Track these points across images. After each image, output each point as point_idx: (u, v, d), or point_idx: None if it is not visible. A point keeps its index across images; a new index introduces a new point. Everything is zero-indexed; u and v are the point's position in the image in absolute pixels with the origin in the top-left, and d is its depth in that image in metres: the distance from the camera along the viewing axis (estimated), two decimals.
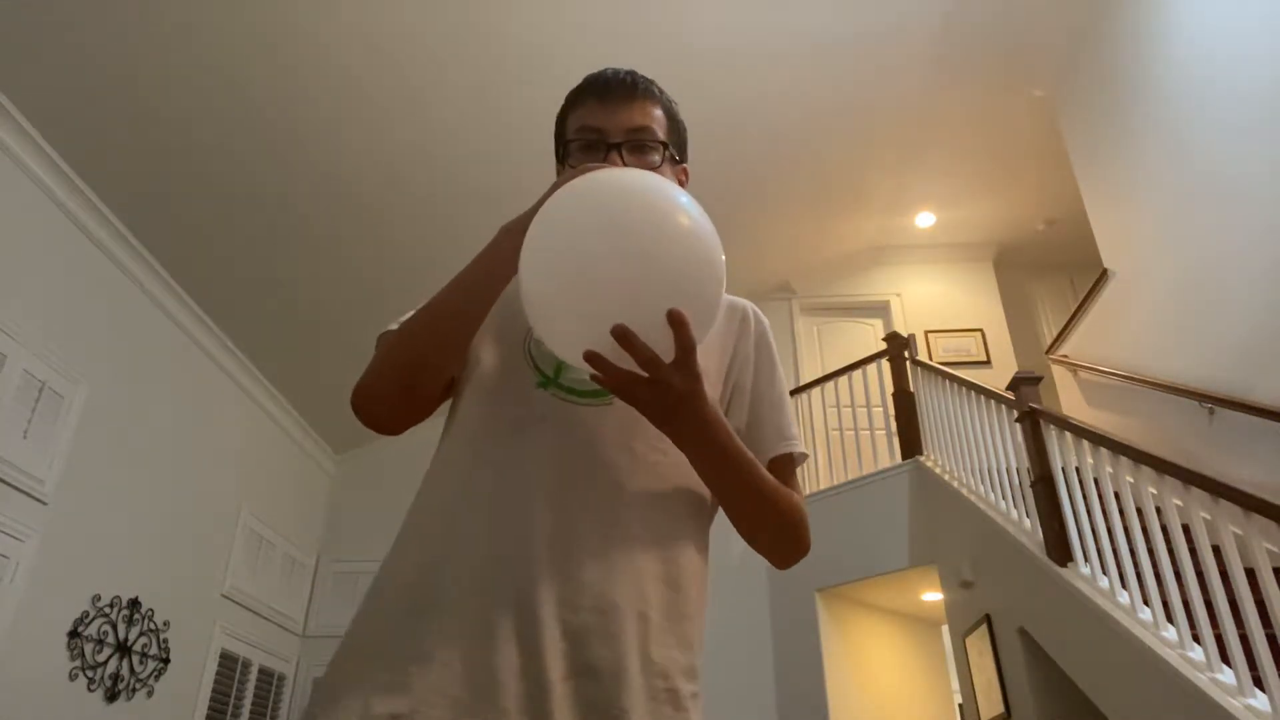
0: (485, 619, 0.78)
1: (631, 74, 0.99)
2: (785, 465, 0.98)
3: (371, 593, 0.86)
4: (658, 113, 1.00)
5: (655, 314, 0.74)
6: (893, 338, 5.22)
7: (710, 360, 0.97)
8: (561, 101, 1.04)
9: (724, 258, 0.80)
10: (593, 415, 0.90)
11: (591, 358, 0.74)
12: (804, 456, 1.01)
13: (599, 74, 1.00)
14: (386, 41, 3.77)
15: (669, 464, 0.90)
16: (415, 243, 4.67)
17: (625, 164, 0.95)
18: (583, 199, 0.79)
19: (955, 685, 4.73)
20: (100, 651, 3.68)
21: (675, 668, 0.82)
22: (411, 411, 0.94)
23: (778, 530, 0.93)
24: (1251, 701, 2.22)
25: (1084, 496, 3.10)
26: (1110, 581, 2.88)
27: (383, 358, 0.92)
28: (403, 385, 0.92)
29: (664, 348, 0.75)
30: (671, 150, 1.00)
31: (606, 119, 0.97)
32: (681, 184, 1.03)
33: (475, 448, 0.90)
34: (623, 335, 0.72)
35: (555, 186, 0.85)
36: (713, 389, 0.97)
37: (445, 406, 1.02)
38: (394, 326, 0.96)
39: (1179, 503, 2.62)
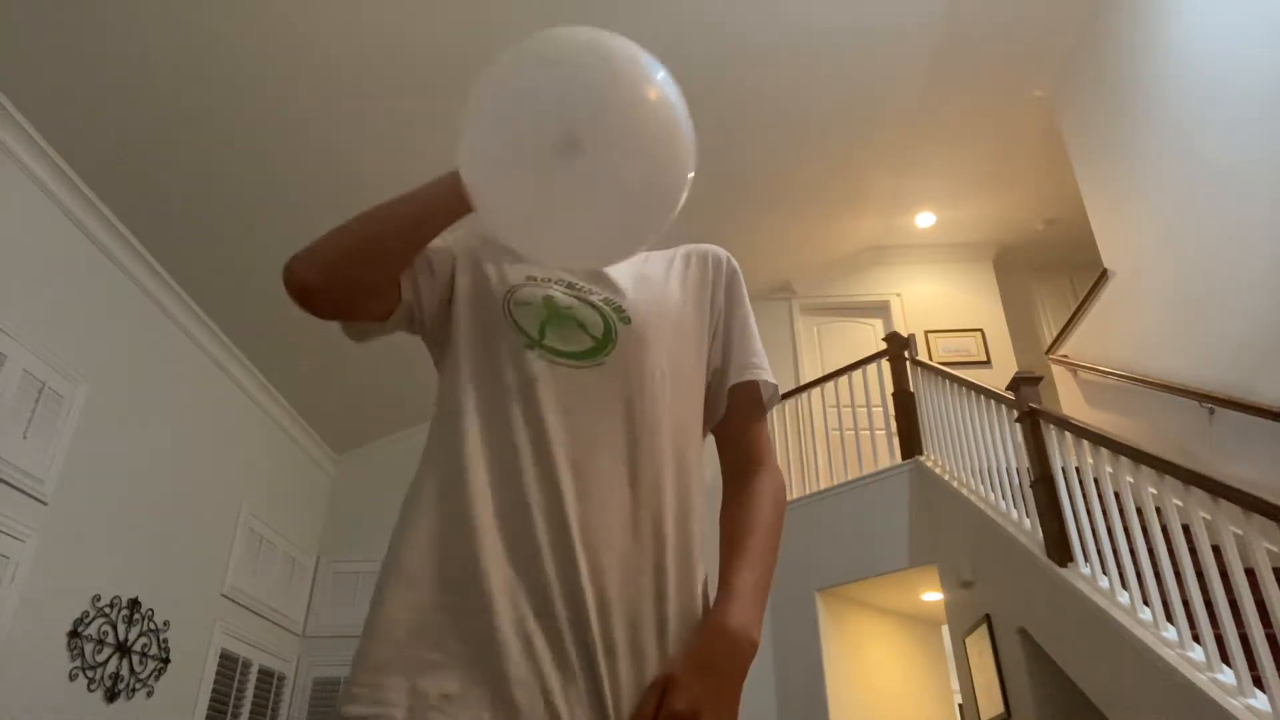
0: (521, 590, 0.78)
1: None
2: (749, 397, 1.01)
3: (392, 574, 0.83)
4: None
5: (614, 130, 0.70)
6: (893, 338, 5.21)
7: (689, 295, 1.02)
8: None
9: (683, 105, 0.76)
10: (587, 376, 0.90)
11: None
12: (771, 388, 1.02)
13: None
14: (387, 42, 3.77)
15: (668, 416, 0.91)
16: None
17: None
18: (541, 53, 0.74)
19: (955, 685, 4.73)
20: (100, 651, 3.68)
21: (691, 620, 0.85)
22: (346, 291, 0.91)
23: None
24: (1251, 701, 2.22)
25: (1084, 496, 3.10)
26: (1110, 581, 2.88)
27: (330, 234, 0.91)
28: (344, 258, 0.90)
29: (621, 144, 0.73)
30: None
31: None
32: None
33: (476, 417, 0.89)
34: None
35: None
36: (698, 321, 1.01)
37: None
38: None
39: (1179, 503, 2.62)
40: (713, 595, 0.88)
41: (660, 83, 0.74)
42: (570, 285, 0.97)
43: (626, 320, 0.94)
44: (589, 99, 0.70)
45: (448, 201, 0.88)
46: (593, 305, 0.95)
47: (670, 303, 1.00)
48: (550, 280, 0.97)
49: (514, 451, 0.85)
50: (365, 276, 0.91)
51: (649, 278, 1.02)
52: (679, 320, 0.99)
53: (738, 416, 1.01)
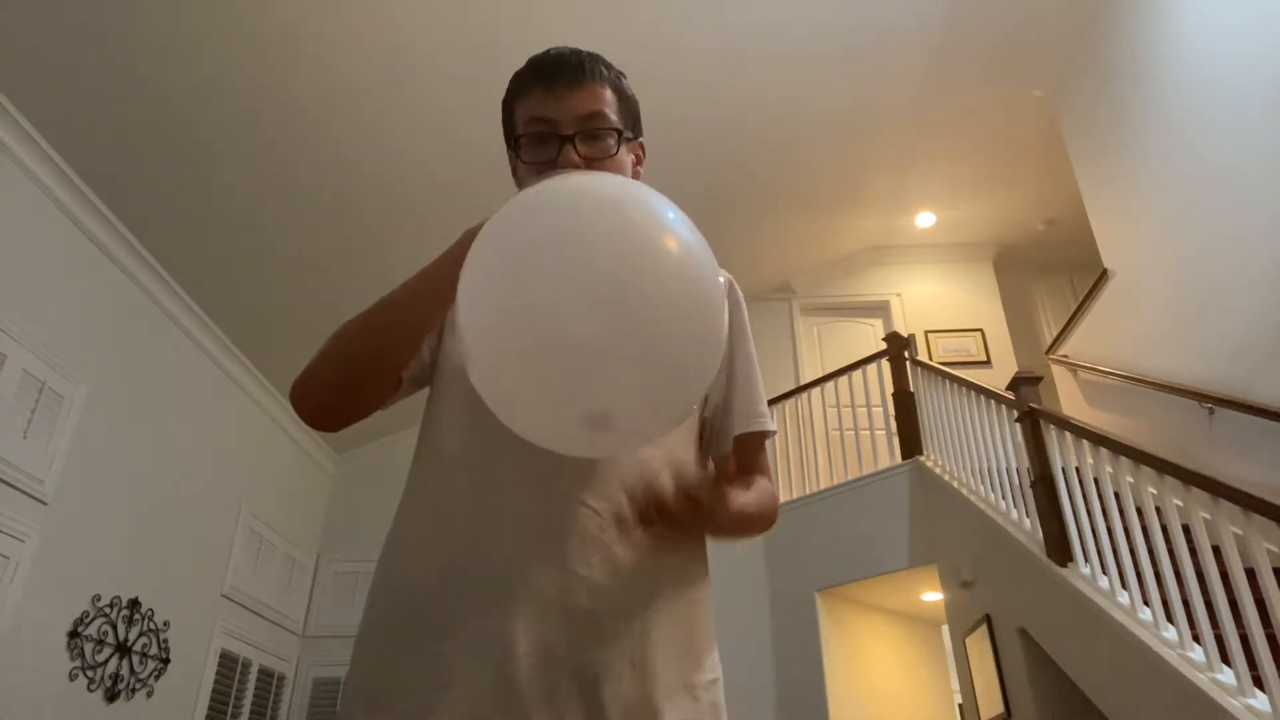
0: (505, 635, 0.77)
1: (577, 54, 0.94)
2: (754, 442, 1.00)
3: (375, 614, 0.84)
4: (607, 94, 0.95)
5: (641, 389, 0.63)
6: (893, 338, 5.21)
7: None
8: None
9: (720, 290, 0.68)
10: None
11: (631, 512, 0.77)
12: (772, 433, 1.02)
13: (543, 57, 0.95)
14: (386, 44, 3.77)
15: (662, 458, 0.90)
16: (417, 246, 4.66)
17: (580, 155, 0.91)
18: (537, 240, 0.63)
19: (955, 685, 4.72)
20: (100, 651, 3.68)
21: (688, 663, 0.84)
22: (351, 408, 0.90)
23: (760, 529, 0.96)
24: (1251, 701, 2.22)
25: (1084, 496, 3.10)
26: (1110, 581, 2.88)
27: (326, 352, 0.88)
28: (343, 381, 0.88)
29: (650, 417, 0.68)
30: (626, 132, 0.96)
31: (556, 108, 0.92)
32: (638, 159, 1.01)
33: (468, 454, 0.88)
34: (659, 507, 0.75)
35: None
36: None
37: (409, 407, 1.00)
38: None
39: (1179, 503, 2.62)
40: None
41: (702, 345, 0.65)
42: None
43: None
44: (629, 397, 0.63)
45: (442, 297, 0.82)
46: None
47: None
48: None
49: (504, 497, 0.84)
50: (368, 393, 0.90)
51: None
52: None
53: (743, 460, 1.01)
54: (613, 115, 0.94)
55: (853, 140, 5.38)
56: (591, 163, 0.92)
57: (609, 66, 0.97)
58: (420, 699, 0.76)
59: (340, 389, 0.88)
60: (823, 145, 5.35)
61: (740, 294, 1.05)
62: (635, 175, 0.99)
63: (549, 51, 0.95)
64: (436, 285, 0.83)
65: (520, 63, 0.99)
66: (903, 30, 4.57)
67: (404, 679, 0.77)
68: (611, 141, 0.93)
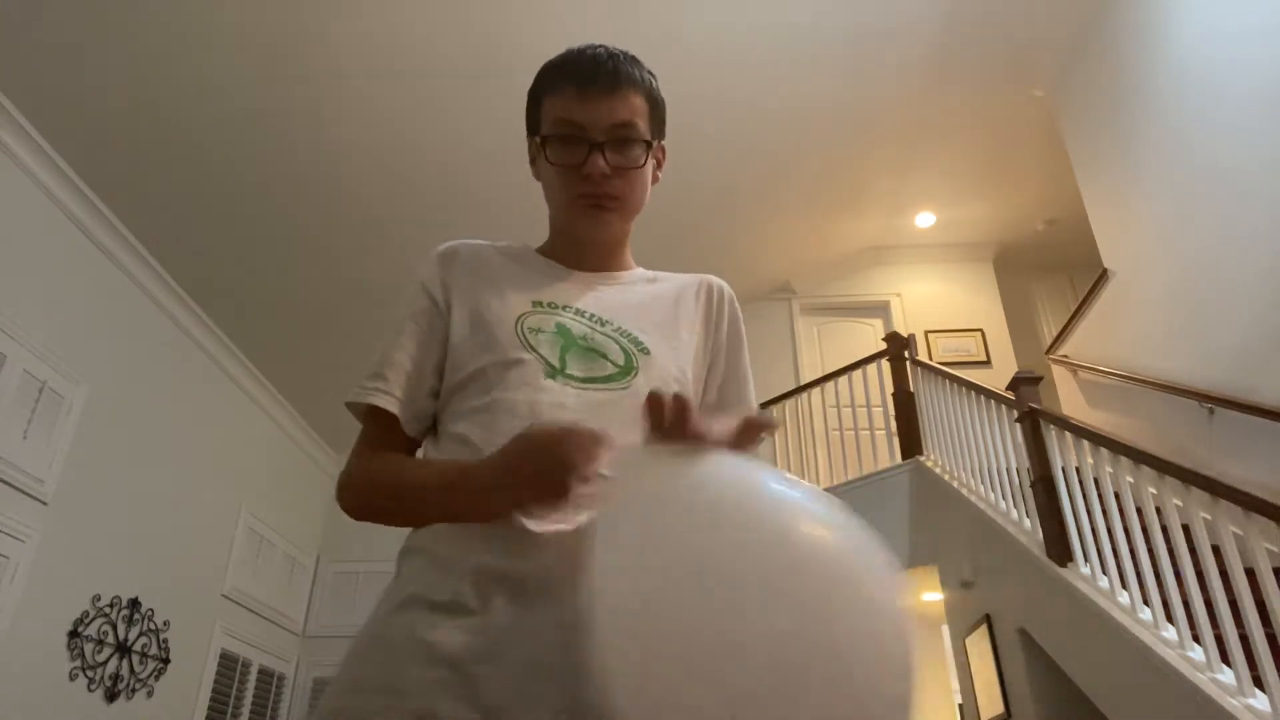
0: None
1: (614, 58, 0.94)
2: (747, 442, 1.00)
3: (402, 600, 0.81)
4: (639, 102, 0.94)
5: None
6: (893, 338, 5.21)
7: (691, 338, 0.98)
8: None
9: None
10: (612, 398, 0.87)
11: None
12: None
13: (578, 57, 0.94)
14: (384, 44, 3.77)
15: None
16: (413, 244, 4.66)
17: (608, 163, 0.91)
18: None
19: (955, 685, 4.72)
20: (100, 651, 3.68)
21: None
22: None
23: None
24: (1251, 701, 2.22)
25: (1084, 496, 3.10)
26: (1110, 581, 2.88)
27: (363, 497, 0.89)
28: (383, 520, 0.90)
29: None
30: (654, 141, 0.96)
31: (587, 113, 0.91)
32: (659, 161, 1.00)
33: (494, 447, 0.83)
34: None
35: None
36: (701, 357, 0.98)
37: None
38: (367, 399, 0.92)
39: (1179, 503, 2.61)
40: None
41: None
42: (579, 312, 0.94)
43: (646, 351, 0.92)
44: None
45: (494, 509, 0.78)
46: (609, 335, 0.93)
47: (681, 338, 0.98)
48: (558, 306, 0.94)
49: None
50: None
51: (657, 309, 0.99)
52: (687, 354, 0.97)
53: None
54: (643, 124, 0.94)
55: (853, 140, 5.38)
56: (617, 171, 0.92)
57: (643, 70, 0.96)
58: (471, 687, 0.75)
59: (380, 521, 0.90)
60: (823, 145, 5.35)
61: (738, 306, 1.05)
62: (654, 179, 0.99)
63: (585, 50, 0.94)
64: (470, 511, 0.80)
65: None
66: (903, 30, 4.57)
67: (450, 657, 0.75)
68: (639, 152, 0.94)
